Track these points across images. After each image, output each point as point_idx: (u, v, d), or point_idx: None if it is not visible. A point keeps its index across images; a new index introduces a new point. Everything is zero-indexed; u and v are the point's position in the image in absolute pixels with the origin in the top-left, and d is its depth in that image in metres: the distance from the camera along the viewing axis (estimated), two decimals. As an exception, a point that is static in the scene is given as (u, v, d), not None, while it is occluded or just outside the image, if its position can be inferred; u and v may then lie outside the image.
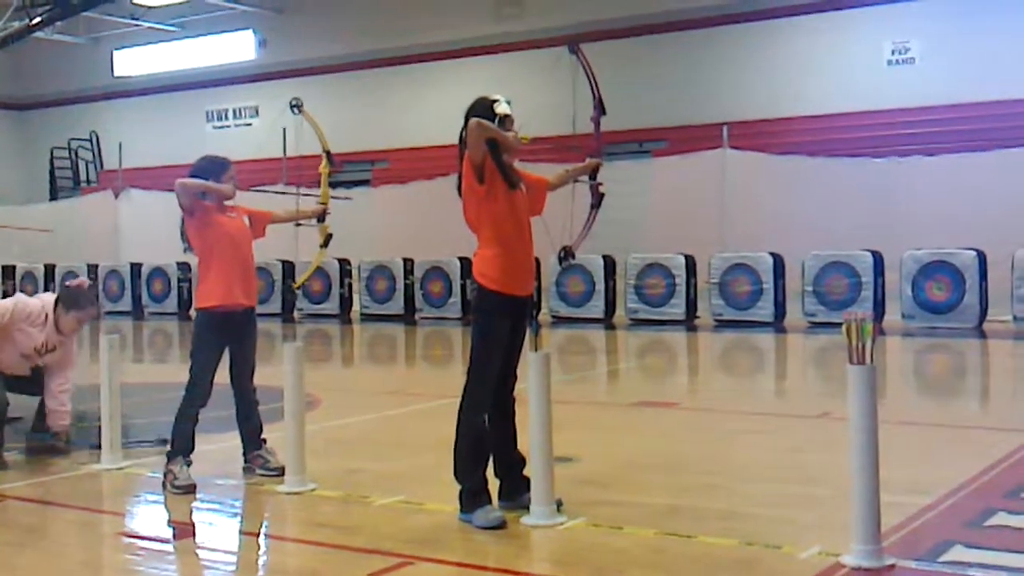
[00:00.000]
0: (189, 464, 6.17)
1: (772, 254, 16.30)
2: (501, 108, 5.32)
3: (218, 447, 7.47)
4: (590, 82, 5.89)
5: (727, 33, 22.43)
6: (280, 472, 6.21)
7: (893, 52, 20.90)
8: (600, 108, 6.00)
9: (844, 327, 4.54)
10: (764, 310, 16.15)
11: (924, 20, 20.54)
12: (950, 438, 7.73)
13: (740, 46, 22.29)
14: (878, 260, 15.50)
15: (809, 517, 5.36)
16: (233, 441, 6.65)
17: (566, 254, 5.82)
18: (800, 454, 7.07)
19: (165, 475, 6.15)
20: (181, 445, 6.20)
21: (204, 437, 6.51)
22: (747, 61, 22.18)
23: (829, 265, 15.74)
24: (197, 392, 6.27)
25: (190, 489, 6.02)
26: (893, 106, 20.09)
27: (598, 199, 5.97)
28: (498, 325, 5.33)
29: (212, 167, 6.60)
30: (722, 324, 16.35)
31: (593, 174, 5.95)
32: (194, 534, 5.40)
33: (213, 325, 6.28)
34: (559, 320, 17.52)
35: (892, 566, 4.43)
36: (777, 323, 16.10)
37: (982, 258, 14.94)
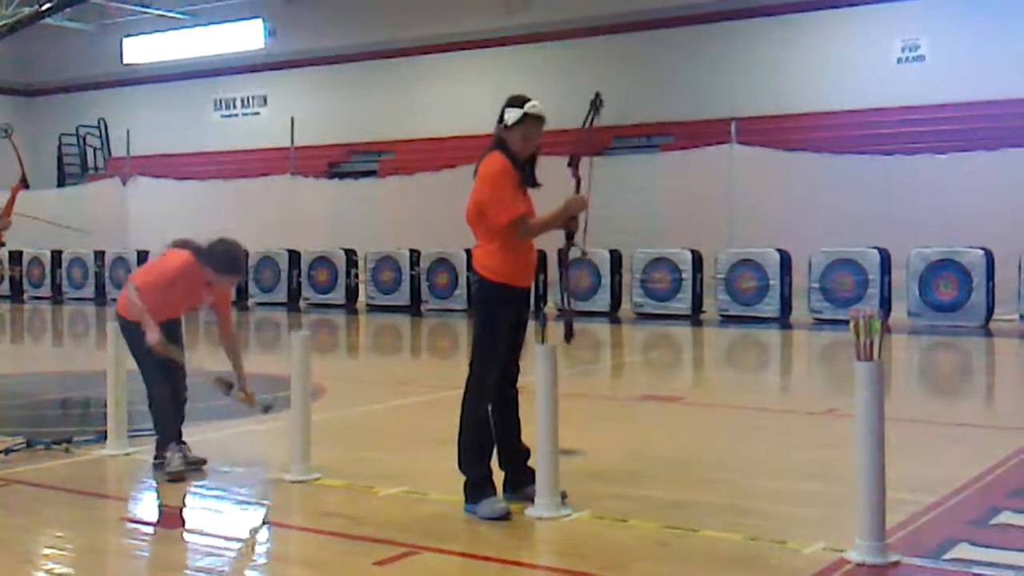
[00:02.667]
0: (183, 453, 6.18)
1: (779, 250, 16.28)
2: (532, 108, 5.29)
3: (223, 434, 7.49)
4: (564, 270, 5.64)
5: (736, 28, 22.39)
6: (199, 464, 6.24)
7: (903, 49, 20.86)
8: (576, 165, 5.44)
9: (852, 324, 4.53)
10: (770, 306, 16.14)
11: (934, 18, 20.50)
12: (955, 436, 7.72)
13: (749, 41, 22.24)
14: (885, 258, 15.49)
15: (814, 513, 5.36)
16: (238, 428, 6.66)
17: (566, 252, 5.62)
18: (805, 450, 7.07)
19: (158, 461, 6.21)
20: (165, 430, 6.23)
21: (209, 424, 6.53)
22: (756, 56, 22.13)
23: (836, 262, 15.72)
24: (153, 377, 6.29)
25: (178, 477, 6.05)
26: (902, 104, 20.05)
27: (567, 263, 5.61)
28: (500, 316, 5.34)
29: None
30: (728, 319, 16.34)
31: (570, 234, 5.44)
32: (198, 521, 5.41)
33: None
34: (564, 313, 17.49)
35: (897, 563, 4.43)
36: (783, 319, 16.09)
37: (989, 257, 14.92)
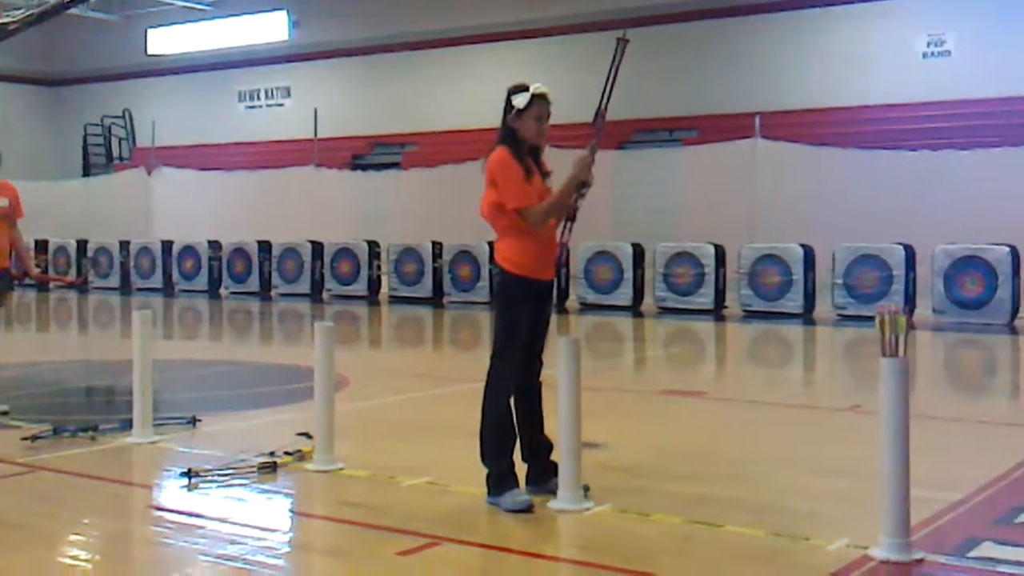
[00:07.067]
0: None
1: (802, 245, 16.21)
2: (537, 89, 5.29)
3: (248, 424, 7.54)
4: (607, 84, 5.38)
5: (761, 22, 22.30)
6: None
7: (928, 44, 20.74)
8: (601, 117, 5.43)
9: (877, 320, 4.52)
10: (793, 301, 16.07)
11: (960, 13, 20.37)
12: (980, 434, 7.68)
13: (774, 35, 22.16)
14: (910, 254, 15.40)
15: (837, 509, 5.34)
16: (265, 418, 6.69)
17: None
18: (829, 446, 7.04)
19: None
20: None
21: (235, 414, 6.56)
22: (781, 51, 22.04)
23: (860, 258, 15.64)
24: None
25: None
26: (927, 99, 19.94)
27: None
28: (521, 310, 5.33)
29: None
30: (751, 315, 16.29)
31: (572, 215, 5.43)
32: (222, 509, 5.44)
33: None
34: (587, 307, 17.51)
35: (921, 560, 4.41)
36: (806, 315, 16.03)
37: (1015, 254, 14.81)
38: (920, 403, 7.48)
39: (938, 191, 16.76)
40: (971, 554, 4.54)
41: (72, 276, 22.89)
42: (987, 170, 16.73)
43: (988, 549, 4.61)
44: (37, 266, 9.05)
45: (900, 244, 15.47)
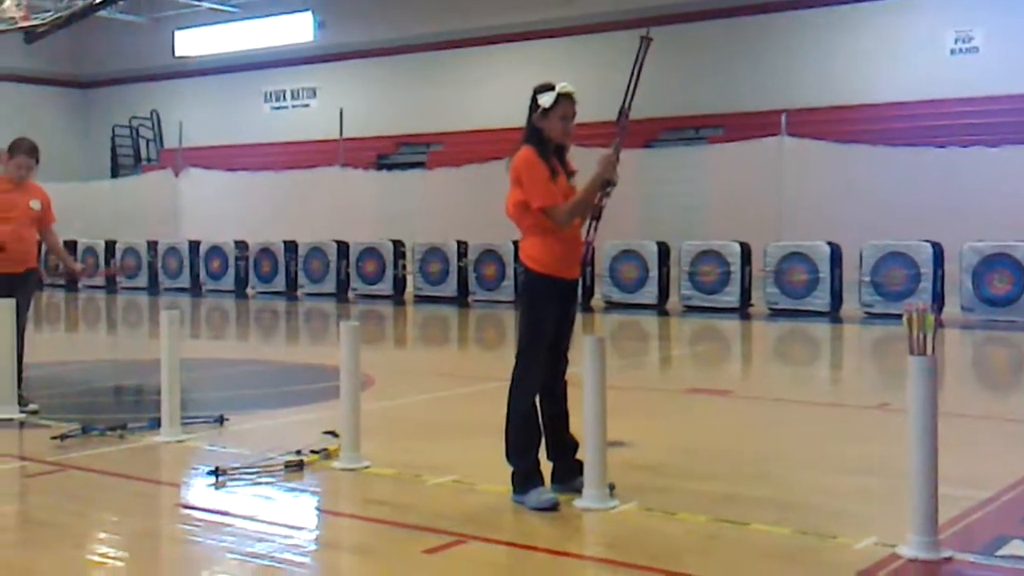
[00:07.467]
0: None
1: (829, 243, 16.13)
2: (563, 88, 5.30)
3: (275, 423, 7.57)
4: (630, 82, 5.36)
5: (787, 19, 22.21)
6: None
7: (956, 41, 20.59)
8: (625, 115, 5.38)
9: (905, 318, 4.49)
10: (820, 300, 16.00)
11: (988, 9, 20.22)
12: (1009, 432, 7.62)
13: (800, 32, 22.06)
14: (938, 251, 15.29)
15: (865, 508, 5.31)
16: (292, 417, 6.71)
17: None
18: (857, 444, 7.00)
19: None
20: None
21: (262, 413, 6.59)
22: (807, 48, 21.95)
23: (887, 255, 15.54)
24: None
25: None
26: (955, 95, 19.79)
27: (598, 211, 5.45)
28: (546, 308, 5.34)
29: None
30: (777, 313, 16.23)
31: (598, 213, 5.41)
32: (250, 507, 5.47)
33: None
34: (612, 306, 17.49)
35: (949, 559, 4.39)
36: (833, 313, 15.94)
37: (1045, 251, 14.68)
38: (948, 401, 7.42)
39: (966, 188, 16.63)
40: (1000, 552, 4.51)
41: (104, 267, 23.14)
42: (1016, 167, 16.60)
43: (1017, 547, 4.58)
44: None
45: (928, 241, 15.37)
